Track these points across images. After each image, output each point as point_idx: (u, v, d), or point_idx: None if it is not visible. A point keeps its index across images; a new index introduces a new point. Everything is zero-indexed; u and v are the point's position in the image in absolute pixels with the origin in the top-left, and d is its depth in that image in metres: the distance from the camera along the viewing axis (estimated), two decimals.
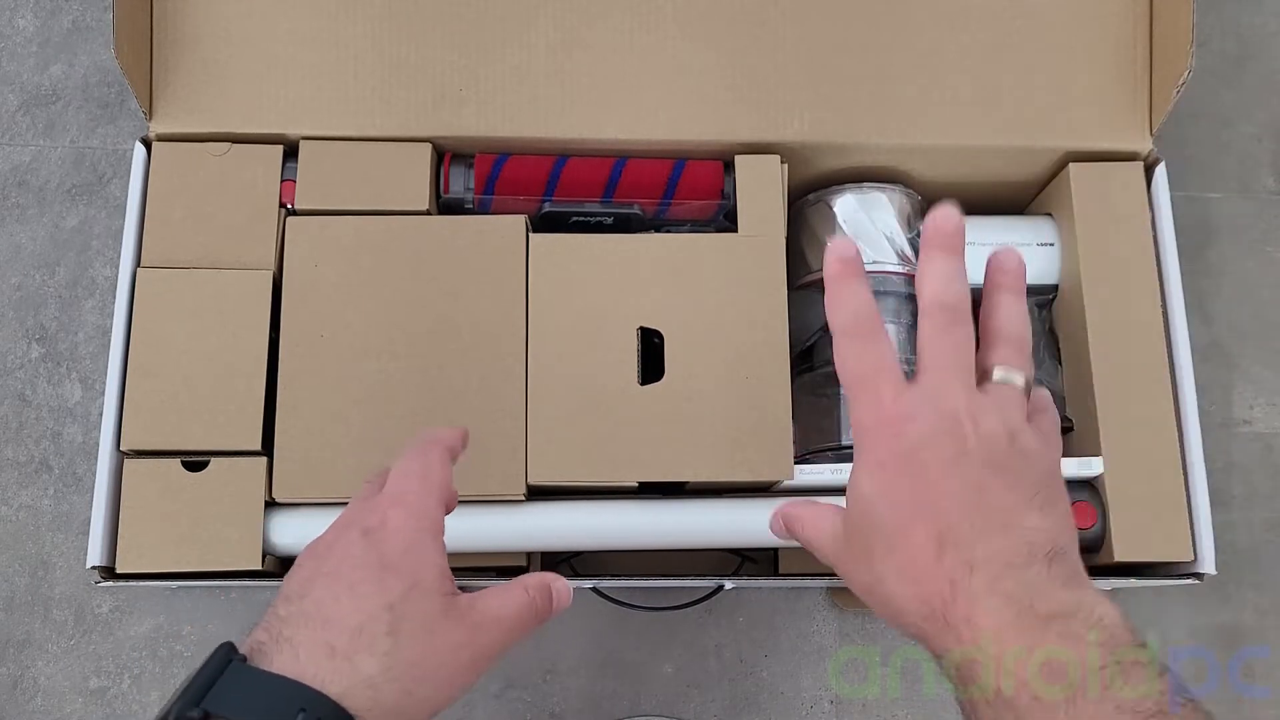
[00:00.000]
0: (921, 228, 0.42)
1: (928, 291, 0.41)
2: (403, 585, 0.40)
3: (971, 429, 0.38)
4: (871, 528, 0.38)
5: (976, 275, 0.67)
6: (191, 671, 0.37)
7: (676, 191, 0.65)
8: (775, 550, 0.68)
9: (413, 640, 0.39)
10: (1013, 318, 0.42)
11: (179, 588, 0.71)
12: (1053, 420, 0.42)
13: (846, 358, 0.41)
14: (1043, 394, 0.43)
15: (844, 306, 0.41)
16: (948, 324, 0.40)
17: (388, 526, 0.41)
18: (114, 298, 0.61)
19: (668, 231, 0.66)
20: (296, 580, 0.41)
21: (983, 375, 0.40)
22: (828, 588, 0.73)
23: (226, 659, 0.37)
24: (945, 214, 0.42)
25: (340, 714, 0.36)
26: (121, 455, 0.59)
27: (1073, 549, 0.37)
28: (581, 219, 0.65)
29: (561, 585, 0.46)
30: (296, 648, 0.37)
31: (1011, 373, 0.40)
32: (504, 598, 0.43)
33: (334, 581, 0.40)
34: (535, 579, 0.45)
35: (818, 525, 0.42)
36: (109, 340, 0.60)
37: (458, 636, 0.40)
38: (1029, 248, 0.68)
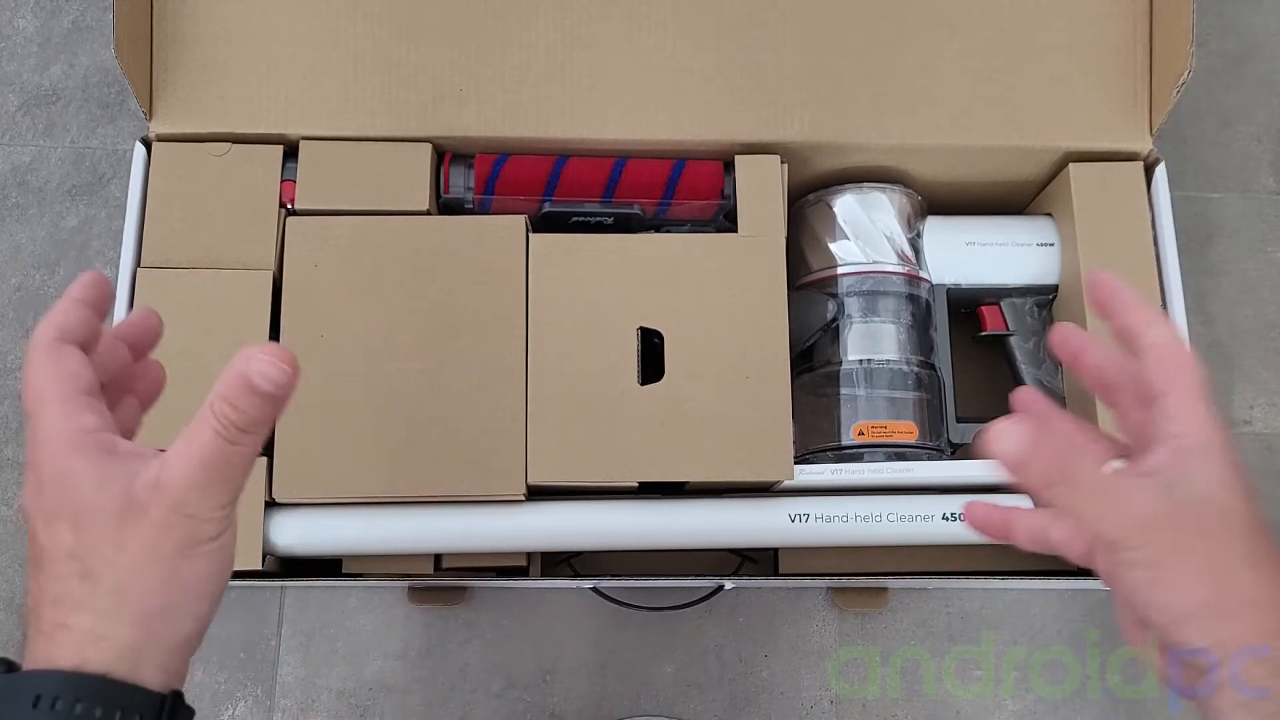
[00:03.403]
0: (1094, 295, 0.42)
1: (1153, 336, 0.40)
2: (68, 525, 0.35)
3: (1246, 495, 0.39)
4: (1232, 515, 0.37)
5: (978, 275, 0.68)
6: None
7: (676, 191, 0.65)
8: (775, 550, 0.68)
9: (107, 569, 0.35)
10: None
11: None
12: None
13: (1191, 362, 0.40)
14: None
15: (1164, 320, 0.41)
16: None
17: (40, 477, 0.36)
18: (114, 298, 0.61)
19: (668, 231, 0.66)
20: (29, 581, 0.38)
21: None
22: (828, 588, 0.73)
23: None
24: (1111, 285, 0.42)
25: (75, 680, 0.34)
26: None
27: None
28: (581, 219, 0.65)
29: (265, 362, 0.36)
30: (28, 643, 0.36)
31: None
32: (188, 449, 0.36)
33: (31, 567, 0.37)
34: (220, 385, 0.36)
35: (1124, 484, 0.38)
36: None
37: (149, 530, 0.35)
38: (1029, 248, 0.68)
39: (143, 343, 0.44)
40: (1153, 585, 0.37)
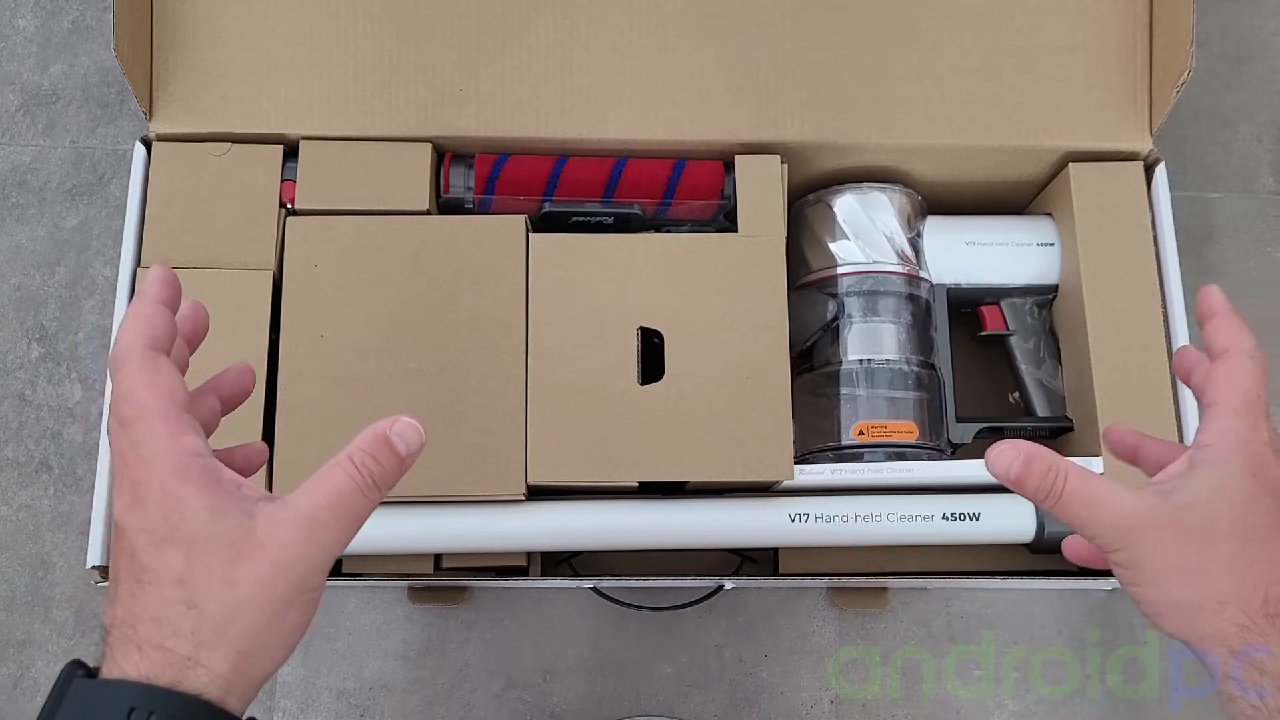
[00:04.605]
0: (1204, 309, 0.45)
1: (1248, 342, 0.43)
2: (179, 552, 0.36)
3: None
4: (1227, 520, 0.39)
5: (978, 275, 0.68)
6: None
7: (676, 191, 0.65)
8: (775, 550, 0.68)
9: (215, 603, 0.36)
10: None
11: None
12: None
13: (1249, 376, 0.42)
14: None
15: (1245, 333, 0.43)
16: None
17: (140, 493, 0.37)
18: (114, 298, 0.61)
19: (668, 231, 0.66)
20: (111, 584, 0.39)
21: None
22: (828, 588, 0.73)
23: (69, 677, 0.37)
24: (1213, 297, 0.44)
25: (173, 698, 0.35)
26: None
27: None
28: (581, 219, 0.65)
29: (403, 426, 0.39)
30: (116, 653, 0.36)
31: None
32: (321, 488, 0.38)
33: (124, 580, 0.37)
34: (363, 440, 0.39)
35: (1108, 487, 0.40)
36: (109, 340, 0.60)
37: (265, 570, 0.36)
38: (1029, 248, 0.68)
39: (195, 336, 0.44)
40: (1132, 583, 0.40)
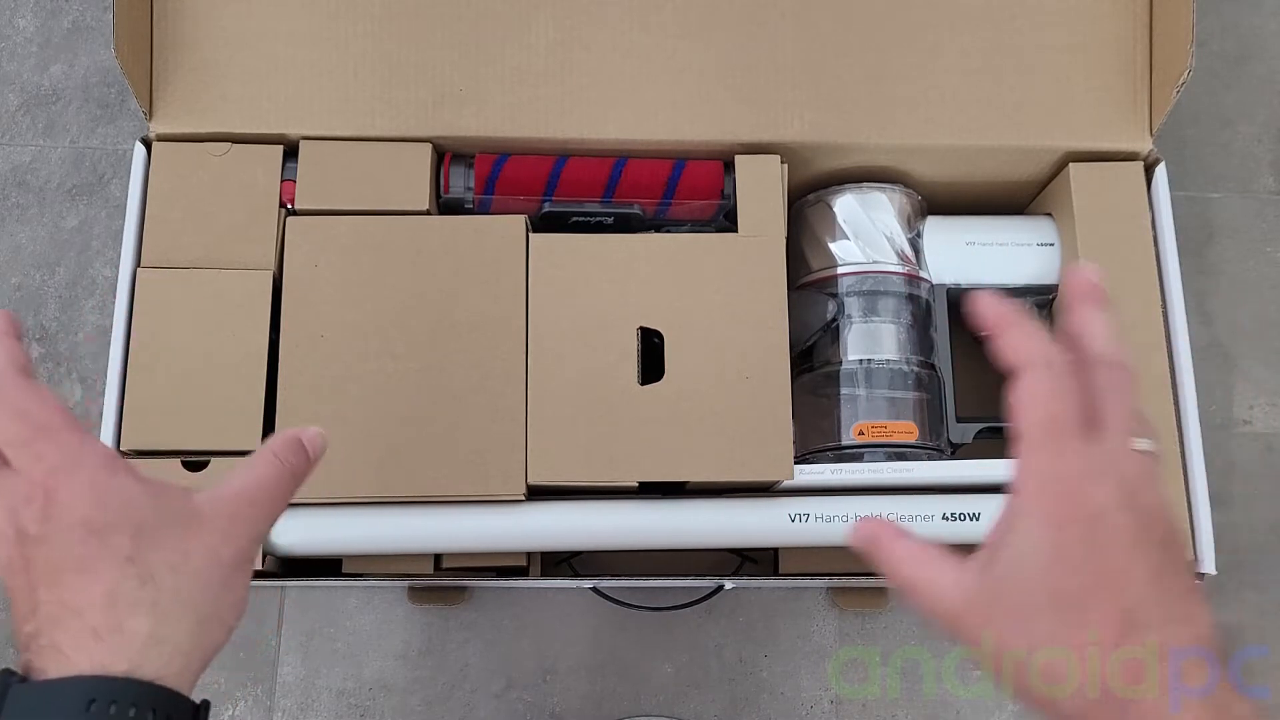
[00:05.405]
0: (1070, 288, 0.40)
1: (1099, 346, 0.39)
2: (126, 534, 0.37)
3: (1145, 503, 0.35)
4: (1038, 588, 0.35)
5: (978, 275, 0.68)
6: None
7: (676, 191, 0.65)
8: (775, 550, 0.68)
9: (170, 574, 0.37)
10: (1131, 392, 0.39)
11: None
12: None
13: (1041, 396, 0.37)
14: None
15: (1033, 343, 0.38)
16: (1126, 381, 0.38)
17: (60, 499, 0.37)
18: (114, 298, 0.61)
19: (668, 231, 0.66)
20: (18, 597, 0.37)
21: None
22: (828, 587, 0.73)
23: (5, 685, 0.35)
24: (1087, 270, 0.40)
25: (131, 686, 0.35)
26: (122, 455, 0.59)
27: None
28: (581, 219, 0.65)
29: (312, 433, 0.43)
30: (61, 649, 0.36)
31: (1153, 445, 0.37)
32: (248, 474, 0.41)
33: (56, 577, 0.36)
34: (280, 439, 0.43)
35: (935, 570, 0.37)
36: (109, 340, 0.60)
37: (212, 539, 0.38)
38: (1029, 248, 0.68)
39: None
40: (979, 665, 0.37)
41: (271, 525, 0.42)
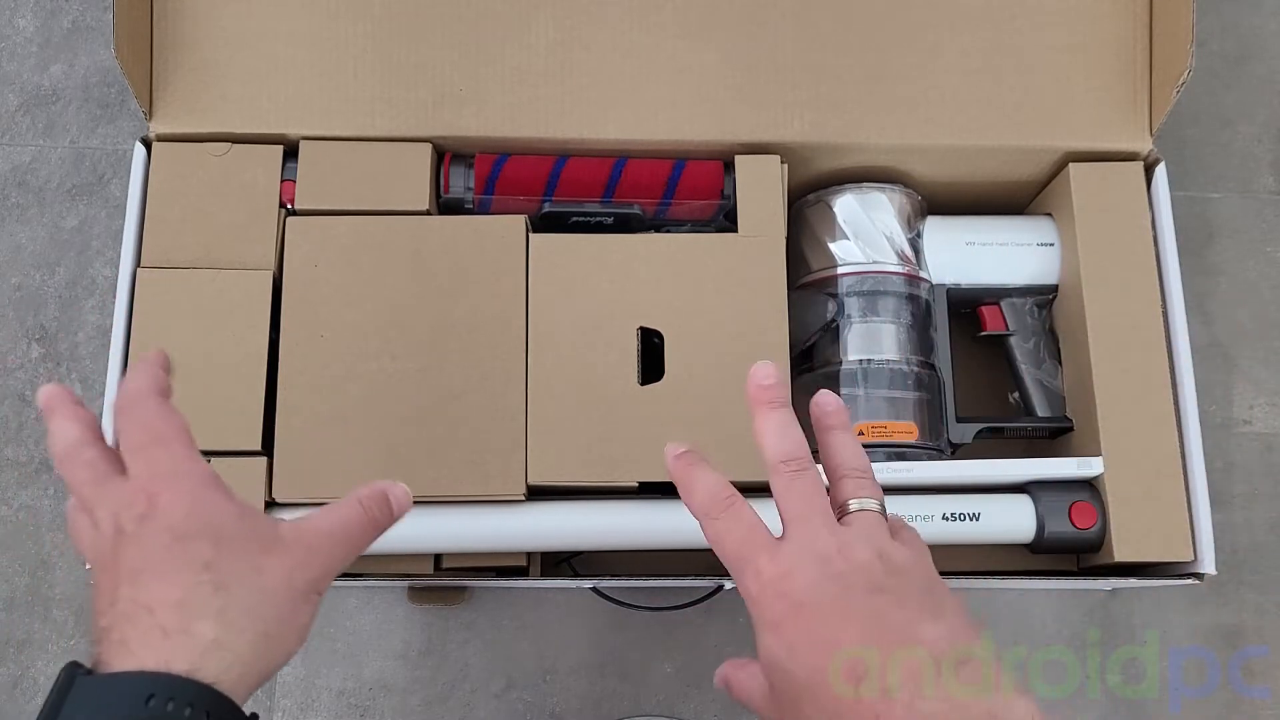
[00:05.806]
0: (746, 389, 0.45)
1: (769, 449, 0.43)
2: (208, 543, 0.39)
3: (846, 564, 0.39)
4: (789, 684, 0.39)
5: (978, 275, 0.68)
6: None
7: (676, 191, 0.65)
8: None
9: (243, 587, 0.39)
10: (850, 451, 0.45)
11: None
12: (913, 532, 0.44)
13: (719, 538, 0.42)
14: (894, 515, 0.45)
15: (696, 491, 0.43)
16: (794, 475, 0.42)
17: (159, 504, 0.39)
18: (114, 298, 0.61)
19: (668, 231, 0.66)
20: (101, 592, 0.39)
21: (841, 510, 0.42)
22: None
23: (71, 676, 0.37)
24: (760, 373, 0.44)
25: (190, 685, 0.36)
26: None
27: (978, 648, 0.38)
28: (581, 219, 0.65)
29: (400, 491, 0.46)
30: (129, 644, 0.37)
31: (865, 500, 0.42)
32: (333, 514, 0.43)
33: (137, 576, 0.38)
34: (369, 490, 0.45)
35: (749, 687, 0.42)
36: (109, 340, 0.60)
37: (289, 562, 0.40)
38: (1029, 248, 0.68)
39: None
40: None
41: (345, 565, 0.43)
